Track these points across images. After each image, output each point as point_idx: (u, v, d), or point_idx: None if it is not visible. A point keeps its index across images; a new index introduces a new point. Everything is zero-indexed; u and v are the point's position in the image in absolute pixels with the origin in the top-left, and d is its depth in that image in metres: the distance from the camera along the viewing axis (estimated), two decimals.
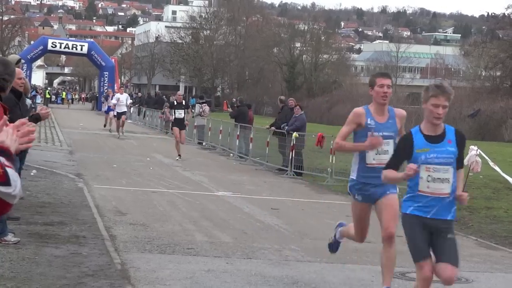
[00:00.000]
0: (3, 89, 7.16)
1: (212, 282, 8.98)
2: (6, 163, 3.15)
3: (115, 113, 38.22)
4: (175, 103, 27.59)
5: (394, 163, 7.20)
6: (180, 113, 27.12)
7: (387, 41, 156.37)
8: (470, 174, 19.25)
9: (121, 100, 37.82)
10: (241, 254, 10.77)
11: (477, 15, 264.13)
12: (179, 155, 26.67)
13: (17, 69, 10.71)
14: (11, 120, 3.55)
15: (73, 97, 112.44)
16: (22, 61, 13.89)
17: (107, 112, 43.02)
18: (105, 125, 42.81)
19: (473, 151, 18.53)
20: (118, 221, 12.82)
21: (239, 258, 10.47)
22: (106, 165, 23.08)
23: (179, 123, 27.15)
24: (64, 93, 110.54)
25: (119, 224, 12.57)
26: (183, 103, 27.70)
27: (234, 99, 40.76)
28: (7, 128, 3.29)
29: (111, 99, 41.32)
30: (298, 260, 10.65)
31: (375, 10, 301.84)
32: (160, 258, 10.12)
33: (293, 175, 23.68)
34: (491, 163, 18.80)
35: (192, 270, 9.49)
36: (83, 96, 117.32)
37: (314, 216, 15.38)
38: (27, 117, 8.36)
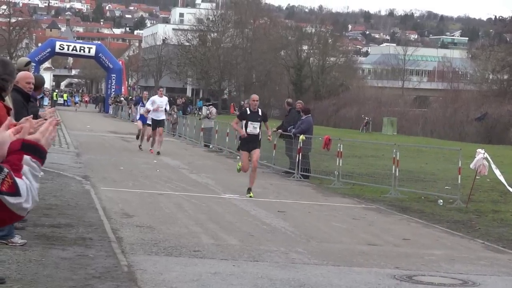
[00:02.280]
0: (4, 89, 7.16)
1: (219, 284, 8.98)
2: (32, 164, 3.17)
3: (149, 122, 29.67)
4: (248, 111, 18.51)
5: None
6: (255, 127, 18.27)
7: (395, 44, 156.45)
8: (477, 177, 19.28)
9: (159, 105, 29.11)
10: (247, 256, 10.77)
11: (484, 18, 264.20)
12: (249, 189, 18.25)
13: (27, 73, 10.75)
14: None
15: (80, 99, 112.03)
16: (32, 64, 13.90)
17: (142, 120, 31.06)
18: (137, 136, 32.32)
19: (480, 154, 18.56)
20: (125, 223, 12.82)
21: (246, 261, 10.46)
22: (113, 167, 23.10)
23: (252, 142, 18.32)
24: (65, 94, 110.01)
25: (126, 226, 12.58)
26: (259, 112, 18.62)
27: (242, 102, 40.32)
28: (46, 124, 3.32)
29: (143, 104, 31.89)
30: (304, 262, 10.64)
31: (383, 13, 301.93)
32: (166, 260, 10.13)
33: (300, 177, 23.66)
34: (493, 166, 18.81)
35: (199, 273, 9.49)
36: (86, 99, 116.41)
37: (320, 218, 15.37)
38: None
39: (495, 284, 10.20)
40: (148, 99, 31.29)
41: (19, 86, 10.12)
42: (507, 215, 17.06)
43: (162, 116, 29.58)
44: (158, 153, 28.81)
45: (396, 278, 10.01)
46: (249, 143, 18.31)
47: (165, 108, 29.75)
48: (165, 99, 30.03)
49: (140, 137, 31.33)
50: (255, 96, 19.02)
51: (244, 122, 18.39)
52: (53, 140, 3.37)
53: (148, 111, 29.43)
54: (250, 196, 17.79)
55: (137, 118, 33.14)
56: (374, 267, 10.67)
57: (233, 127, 19.90)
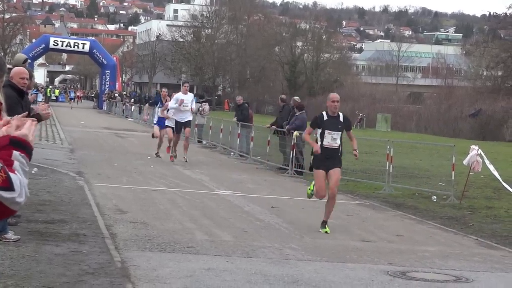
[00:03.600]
0: None
1: (212, 280, 8.98)
2: (21, 159, 3.16)
3: (169, 124, 25.26)
4: (326, 116, 13.55)
5: None
6: (334, 138, 13.38)
7: (389, 41, 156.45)
8: (471, 173, 19.30)
9: (185, 103, 24.46)
10: (241, 252, 10.77)
11: (478, 14, 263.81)
12: (325, 223, 13.48)
13: (21, 68, 10.74)
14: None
15: (75, 95, 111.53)
16: (29, 61, 13.89)
17: (160, 125, 26.29)
18: (159, 145, 26.54)
19: (474, 151, 18.58)
20: (119, 219, 12.82)
21: (239, 257, 10.46)
22: (107, 164, 23.07)
23: (330, 159, 13.40)
24: (57, 90, 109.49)
25: (120, 222, 12.57)
26: (341, 117, 13.56)
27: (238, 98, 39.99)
28: (29, 122, 3.31)
29: (162, 105, 26.61)
30: (298, 258, 10.65)
31: (377, 9, 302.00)
32: (160, 256, 10.12)
33: (294, 174, 23.66)
34: (487, 162, 18.85)
35: (192, 269, 9.49)
36: (78, 94, 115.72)
37: (314, 215, 15.36)
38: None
39: (488, 280, 10.22)
40: (170, 97, 26.80)
41: (13, 81, 10.11)
42: (501, 212, 17.08)
43: (189, 117, 25.03)
44: (186, 160, 24.88)
45: (389, 274, 10.02)
46: (326, 160, 13.34)
47: (191, 107, 24.99)
48: (190, 96, 25.27)
49: (157, 143, 26.71)
50: (334, 96, 13.76)
51: (323, 132, 13.41)
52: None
53: (166, 109, 25.32)
54: (326, 232, 13.16)
55: (154, 122, 27.54)
56: (367, 263, 10.68)
57: (304, 138, 14.83)
